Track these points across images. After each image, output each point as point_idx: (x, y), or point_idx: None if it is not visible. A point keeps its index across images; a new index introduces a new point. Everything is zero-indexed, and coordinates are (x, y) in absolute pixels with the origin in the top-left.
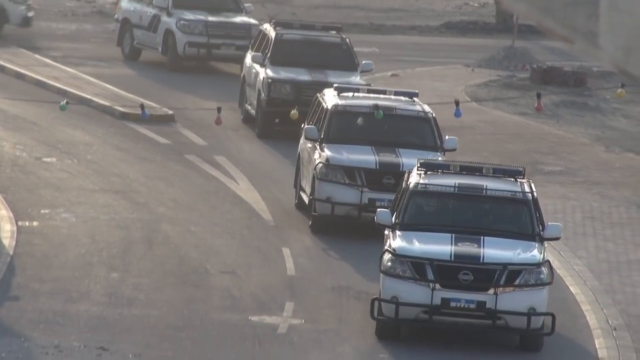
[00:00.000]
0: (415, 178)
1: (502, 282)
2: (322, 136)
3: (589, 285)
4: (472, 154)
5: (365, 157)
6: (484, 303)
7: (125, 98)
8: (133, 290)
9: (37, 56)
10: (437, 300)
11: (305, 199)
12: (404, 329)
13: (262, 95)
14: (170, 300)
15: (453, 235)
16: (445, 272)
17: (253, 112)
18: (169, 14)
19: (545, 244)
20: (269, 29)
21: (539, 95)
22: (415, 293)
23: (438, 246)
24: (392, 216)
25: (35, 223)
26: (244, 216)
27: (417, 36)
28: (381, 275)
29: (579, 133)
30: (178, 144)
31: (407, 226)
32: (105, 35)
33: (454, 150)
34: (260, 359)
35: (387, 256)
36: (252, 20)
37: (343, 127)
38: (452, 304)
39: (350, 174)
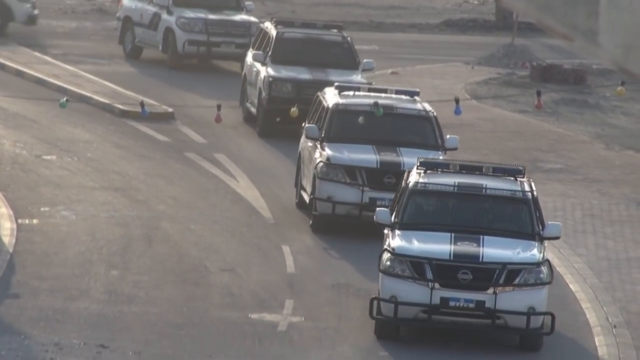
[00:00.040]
0: (414, 177)
1: (501, 281)
2: (322, 135)
3: (589, 282)
4: (471, 151)
5: (366, 156)
6: (483, 302)
7: (125, 96)
8: (133, 288)
9: (37, 54)
10: (436, 300)
11: (306, 198)
12: (403, 328)
13: (263, 94)
14: (170, 297)
15: (452, 234)
16: (444, 271)
17: (254, 110)
18: (170, 12)
19: (545, 243)
20: (270, 28)
21: (538, 93)
22: (414, 292)
23: (437, 245)
24: (392, 215)
25: (35, 221)
26: (243, 214)
27: (417, 34)
28: (380, 274)
29: (579, 130)
30: (178, 141)
31: (406, 225)
32: (104, 33)
33: (455, 149)
34: (260, 356)
35: (386, 255)
36: (252, 19)
37: (344, 126)
38: (451, 304)
39: (351, 173)
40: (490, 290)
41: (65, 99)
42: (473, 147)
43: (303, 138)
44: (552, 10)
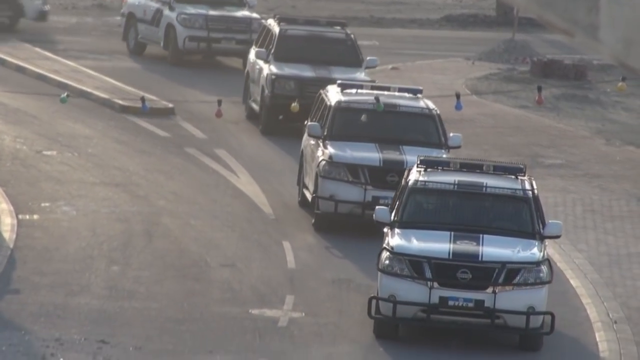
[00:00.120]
0: (414, 175)
1: (500, 280)
2: (325, 133)
3: (590, 278)
4: (472, 147)
5: (368, 154)
6: (483, 302)
7: (125, 91)
8: (133, 284)
9: (38, 49)
10: (435, 299)
11: (309, 196)
12: (402, 328)
13: (266, 91)
14: (171, 293)
15: (452, 233)
16: (443, 270)
17: (257, 108)
18: (171, 8)
19: (546, 241)
20: (272, 25)
21: (539, 88)
22: (413, 291)
23: (436, 244)
24: (391, 214)
25: (35, 216)
26: (244, 209)
27: (418, 29)
28: (379, 273)
29: (580, 126)
30: (178, 137)
31: (405, 224)
32: (105, 29)
33: (458, 147)
34: (260, 352)
35: (384, 254)
36: (254, 15)
37: (346, 124)
38: (450, 303)
39: (353, 171)
40: (490, 290)
41: (65, 94)
42: (473, 142)
43: (305, 136)
44: (553, 5)
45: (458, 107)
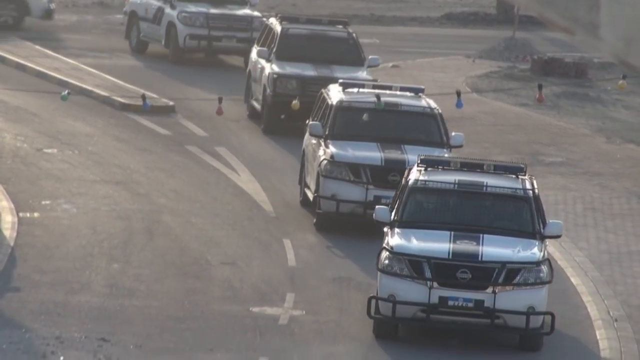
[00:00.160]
0: (415, 174)
1: (500, 280)
2: (326, 132)
3: (590, 276)
4: (472, 145)
5: (370, 153)
6: (482, 302)
7: (125, 89)
8: (134, 282)
9: (38, 47)
10: (434, 299)
11: (310, 196)
12: (402, 328)
13: (268, 90)
14: (171, 291)
15: (452, 232)
16: (443, 270)
17: (259, 107)
18: (173, 7)
19: (546, 241)
20: (274, 24)
21: (540, 87)
22: (413, 291)
23: (436, 244)
24: (391, 213)
25: (36, 214)
26: (244, 207)
27: (418, 27)
28: (378, 273)
29: (580, 124)
30: (179, 135)
31: (405, 223)
32: (105, 26)
33: (460, 146)
34: (261, 350)
35: (384, 254)
36: (255, 13)
37: (348, 123)
38: (450, 303)
39: (355, 170)
40: (490, 290)
41: (66, 92)
42: (474, 140)
43: (307, 135)
44: (553, 3)
45: (458, 105)
